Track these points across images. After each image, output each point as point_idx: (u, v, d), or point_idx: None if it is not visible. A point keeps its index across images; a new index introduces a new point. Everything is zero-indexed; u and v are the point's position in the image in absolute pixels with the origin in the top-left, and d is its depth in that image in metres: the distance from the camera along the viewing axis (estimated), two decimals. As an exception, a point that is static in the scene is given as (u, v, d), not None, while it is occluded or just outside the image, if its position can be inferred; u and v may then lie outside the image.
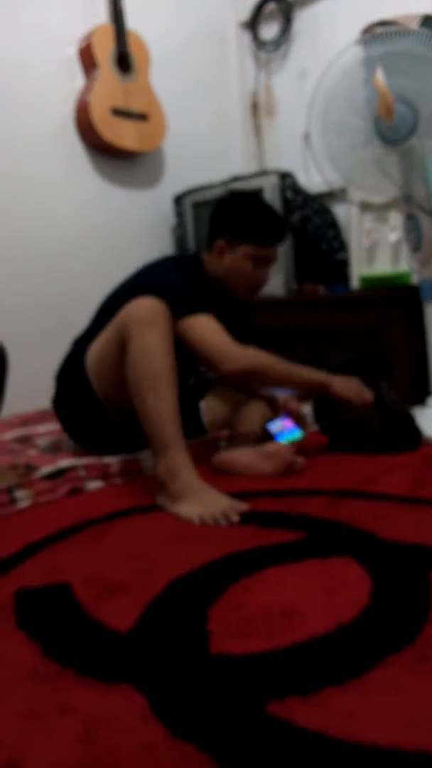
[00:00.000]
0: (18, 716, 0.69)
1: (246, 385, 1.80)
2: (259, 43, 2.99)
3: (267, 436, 1.69)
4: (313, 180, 2.61)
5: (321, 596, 0.94)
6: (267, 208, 1.75)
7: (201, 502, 1.31)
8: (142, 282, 1.68)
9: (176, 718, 0.67)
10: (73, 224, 2.67)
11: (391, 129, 1.81)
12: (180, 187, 2.86)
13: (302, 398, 1.88)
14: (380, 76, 1.73)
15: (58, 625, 0.89)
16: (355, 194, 2.41)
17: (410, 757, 0.60)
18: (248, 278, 1.70)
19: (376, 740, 0.62)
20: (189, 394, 1.76)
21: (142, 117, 2.70)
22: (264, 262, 1.71)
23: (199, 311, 1.58)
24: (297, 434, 1.65)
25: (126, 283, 1.75)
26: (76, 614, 0.92)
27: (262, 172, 2.69)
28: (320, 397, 1.73)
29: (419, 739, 0.62)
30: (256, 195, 1.87)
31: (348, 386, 1.67)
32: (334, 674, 0.74)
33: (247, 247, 1.67)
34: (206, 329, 1.57)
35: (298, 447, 1.63)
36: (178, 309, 1.55)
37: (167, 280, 1.62)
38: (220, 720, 0.67)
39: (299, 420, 1.75)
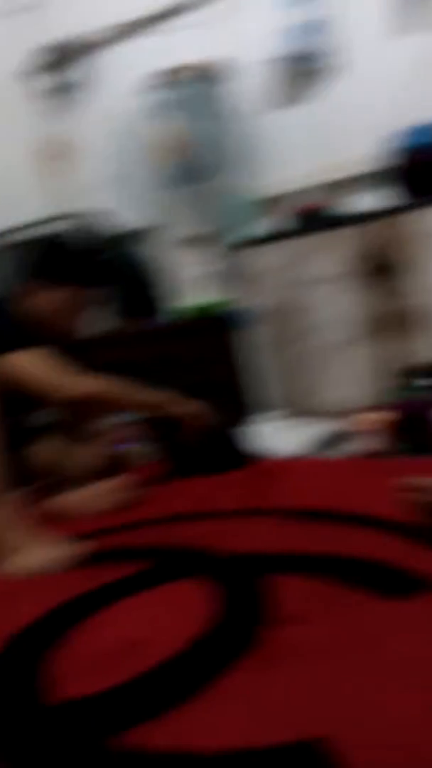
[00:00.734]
0: None
1: (80, 421, 1.77)
2: (55, 88, 2.99)
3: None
4: (121, 219, 2.68)
5: (167, 622, 0.94)
6: (85, 251, 1.76)
7: (33, 554, 1.24)
8: None
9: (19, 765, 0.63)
10: None
11: (187, 169, 1.91)
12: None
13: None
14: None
15: None
16: (166, 230, 2.50)
17: (263, 754, 0.62)
18: (65, 320, 1.68)
19: (231, 744, 0.63)
20: (17, 440, 1.68)
21: None
22: (81, 302, 1.70)
23: (18, 347, 1.54)
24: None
25: None
26: None
27: (59, 216, 2.68)
28: (159, 423, 1.75)
29: (268, 735, 0.64)
30: (75, 240, 1.86)
31: (185, 405, 1.71)
32: (181, 693, 0.74)
33: (68, 288, 1.65)
34: (32, 362, 1.54)
35: (140, 480, 1.63)
36: None
37: None
38: (59, 763, 0.64)
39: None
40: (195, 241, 2.67)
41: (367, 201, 2.59)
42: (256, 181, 2.70)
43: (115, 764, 0.63)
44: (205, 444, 1.76)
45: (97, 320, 2.47)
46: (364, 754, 0.59)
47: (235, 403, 2.23)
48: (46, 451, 1.77)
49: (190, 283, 2.70)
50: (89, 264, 1.72)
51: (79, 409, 1.70)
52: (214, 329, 2.25)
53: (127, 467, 1.84)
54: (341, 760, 0.59)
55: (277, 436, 2.00)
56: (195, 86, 2.57)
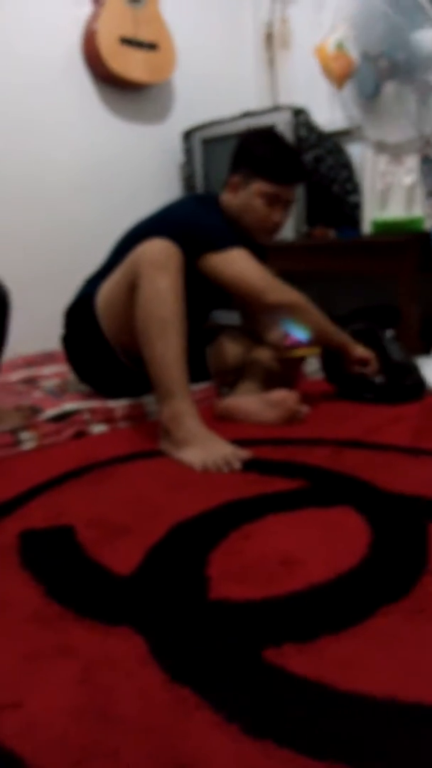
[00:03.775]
0: (20, 658, 0.71)
1: (260, 326, 1.78)
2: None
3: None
4: (327, 117, 2.52)
5: (320, 545, 0.95)
6: (285, 145, 1.70)
7: (204, 449, 1.31)
8: (163, 221, 1.65)
9: (174, 662, 0.69)
10: (78, 161, 2.60)
11: (408, 62, 1.72)
12: (189, 122, 2.76)
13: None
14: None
15: (61, 567, 0.90)
16: (372, 133, 2.31)
17: (406, 709, 0.61)
18: (260, 217, 1.66)
19: (372, 690, 0.63)
20: (196, 339, 1.75)
21: (151, 47, 2.58)
22: (278, 201, 1.66)
23: (233, 245, 1.58)
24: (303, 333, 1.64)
25: (144, 221, 1.71)
26: (78, 557, 0.93)
27: (275, 108, 2.58)
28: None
29: (415, 690, 0.63)
30: (275, 132, 1.80)
31: (362, 352, 1.68)
32: (330, 623, 0.75)
33: (260, 182, 1.62)
34: (247, 263, 1.58)
35: (302, 396, 1.62)
36: (208, 244, 1.56)
37: (194, 217, 1.61)
38: (216, 665, 0.69)
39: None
40: (404, 148, 2.44)
41: None
42: None
43: (261, 678, 0.66)
44: (381, 372, 1.69)
45: (288, 226, 2.40)
46: None
47: (426, 330, 2.10)
48: (224, 351, 1.81)
49: (394, 194, 2.50)
50: (285, 158, 1.65)
51: (267, 316, 1.70)
52: (415, 247, 2.08)
53: (298, 381, 1.84)
54: None
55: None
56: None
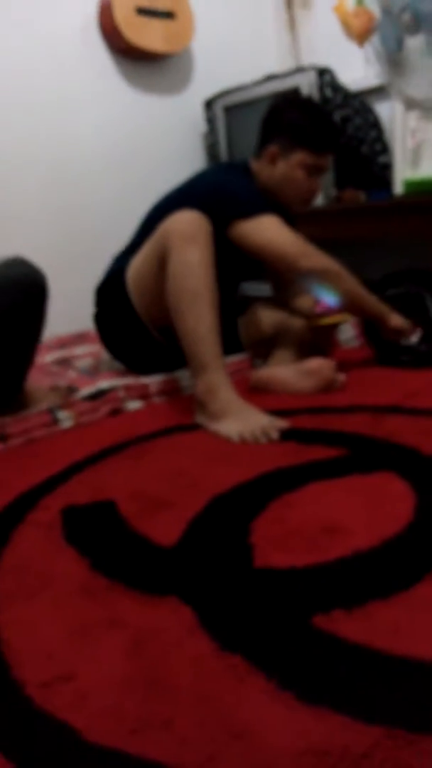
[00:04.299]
0: (70, 631, 0.72)
1: (292, 295, 1.76)
2: None
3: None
4: (353, 76, 2.44)
5: (363, 512, 0.93)
6: (321, 112, 1.66)
7: (240, 420, 1.30)
8: (192, 190, 1.63)
9: (223, 631, 0.69)
10: (100, 136, 2.57)
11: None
12: (210, 90, 2.70)
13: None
14: None
15: (105, 541, 0.91)
16: (399, 90, 2.23)
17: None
18: (301, 188, 1.63)
19: (422, 655, 0.62)
20: (228, 310, 1.73)
21: (168, 15, 2.52)
22: (317, 171, 1.63)
23: (264, 212, 1.55)
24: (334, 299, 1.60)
25: (172, 193, 1.69)
26: (121, 530, 0.94)
27: (299, 69, 2.50)
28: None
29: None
30: (308, 99, 1.76)
31: (398, 322, 1.63)
32: (379, 588, 0.74)
33: (302, 153, 1.59)
34: (279, 229, 1.54)
35: (338, 363, 1.59)
36: (239, 210, 1.53)
37: (223, 184, 1.59)
38: (266, 632, 0.68)
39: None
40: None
41: None
42: None
43: (311, 644, 0.65)
44: (422, 336, 1.65)
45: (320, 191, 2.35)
46: None
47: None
48: (256, 322, 1.79)
49: (426, 151, 2.42)
50: (325, 127, 1.60)
51: (298, 284, 1.67)
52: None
53: (332, 349, 1.81)
54: None
55: None
56: None
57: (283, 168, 1.62)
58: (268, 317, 1.78)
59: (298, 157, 1.59)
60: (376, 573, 0.77)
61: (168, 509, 0.99)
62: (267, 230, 1.54)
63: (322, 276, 1.55)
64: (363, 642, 0.65)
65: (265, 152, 1.63)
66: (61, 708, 0.60)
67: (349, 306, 1.58)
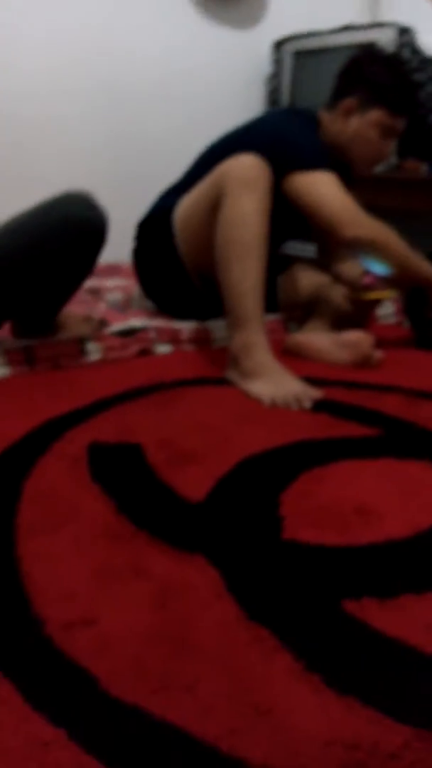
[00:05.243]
0: (93, 573, 0.69)
1: (337, 260, 1.69)
2: None
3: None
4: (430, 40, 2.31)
5: (397, 498, 0.90)
6: (406, 73, 1.56)
7: (273, 383, 1.26)
8: (253, 132, 1.54)
9: (251, 599, 0.66)
10: (157, 63, 2.45)
11: None
12: (281, 32, 2.56)
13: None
14: None
15: (132, 486, 0.88)
16: None
17: None
18: (372, 148, 1.54)
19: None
20: (269, 266, 1.67)
21: None
22: (392, 133, 1.54)
23: (322, 167, 1.46)
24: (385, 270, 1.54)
25: (233, 133, 1.60)
26: (149, 477, 0.91)
27: (379, 24, 2.37)
28: (414, 290, 1.61)
29: None
30: (397, 57, 1.65)
31: None
32: (412, 581, 0.71)
33: (380, 112, 1.50)
34: (333, 188, 1.45)
35: (378, 340, 1.54)
36: (298, 162, 1.44)
37: (287, 132, 1.49)
38: (294, 609, 0.66)
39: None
40: None
41: None
42: None
43: (342, 630, 0.63)
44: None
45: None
46: None
47: None
48: (296, 284, 1.73)
49: None
50: (408, 88, 1.51)
51: (345, 251, 1.60)
52: None
53: (370, 322, 1.76)
54: None
55: None
56: None
57: (357, 124, 1.53)
58: (309, 281, 1.72)
59: (376, 114, 1.51)
60: (409, 565, 0.75)
61: (195, 463, 0.97)
62: (322, 188, 1.46)
63: (369, 246, 1.47)
64: (397, 636, 0.62)
65: (340, 104, 1.54)
66: (82, 653, 0.58)
67: (398, 273, 1.50)
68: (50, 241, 1.23)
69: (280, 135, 1.50)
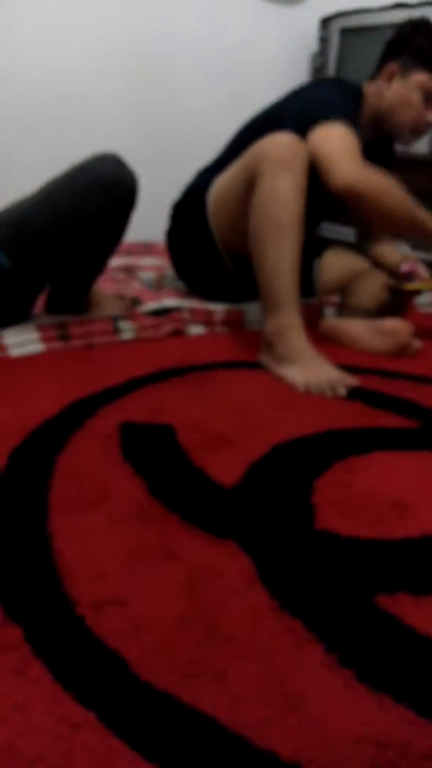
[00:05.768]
0: (123, 553, 0.69)
1: (373, 243, 1.65)
2: None
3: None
4: None
5: (429, 491, 0.88)
6: None
7: (307, 369, 1.24)
8: (290, 106, 1.48)
9: (283, 589, 0.65)
10: (200, 36, 2.40)
11: None
12: (329, 8, 2.49)
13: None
14: None
15: (164, 467, 0.88)
16: None
17: None
18: (415, 113, 1.48)
19: None
20: (306, 249, 1.63)
21: None
22: None
23: (339, 119, 1.35)
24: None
25: (271, 107, 1.56)
26: (181, 459, 0.90)
27: (430, 2, 2.29)
28: None
29: None
30: None
31: None
32: (448, 579, 0.70)
33: (424, 75, 1.44)
34: (333, 136, 1.33)
35: (416, 329, 1.50)
36: (317, 116, 1.35)
37: (323, 98, 1.43)
38: (326, 600, 0.65)
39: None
40: None
41: None
42: None
43: (375, 624, 0.62)
44: None
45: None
46: None
47: None
48: (333, 268, 1.70)
49: None
50: None
51: (365, 222, 1.54)
52: None
53: (408, 311, 1.72)
54: None
55: None
56: None
57: (400, 88, 1.47)
58: (347, 266, 1.69)
59: (419, 78, 1.45)
60: (443, 562, 0.73)
61: (228, 447, 0.95)
62: (318, 135, 1.33)
63: (356, 200, 1.34)
64: (431, 633, 0.61)
65: (382, 70, 1.49)
66: (112, 634, 0.58)
67: (402, 227, 1.40)
68: (82, 204, 1.22)
69: (316, 100, 1.42)
